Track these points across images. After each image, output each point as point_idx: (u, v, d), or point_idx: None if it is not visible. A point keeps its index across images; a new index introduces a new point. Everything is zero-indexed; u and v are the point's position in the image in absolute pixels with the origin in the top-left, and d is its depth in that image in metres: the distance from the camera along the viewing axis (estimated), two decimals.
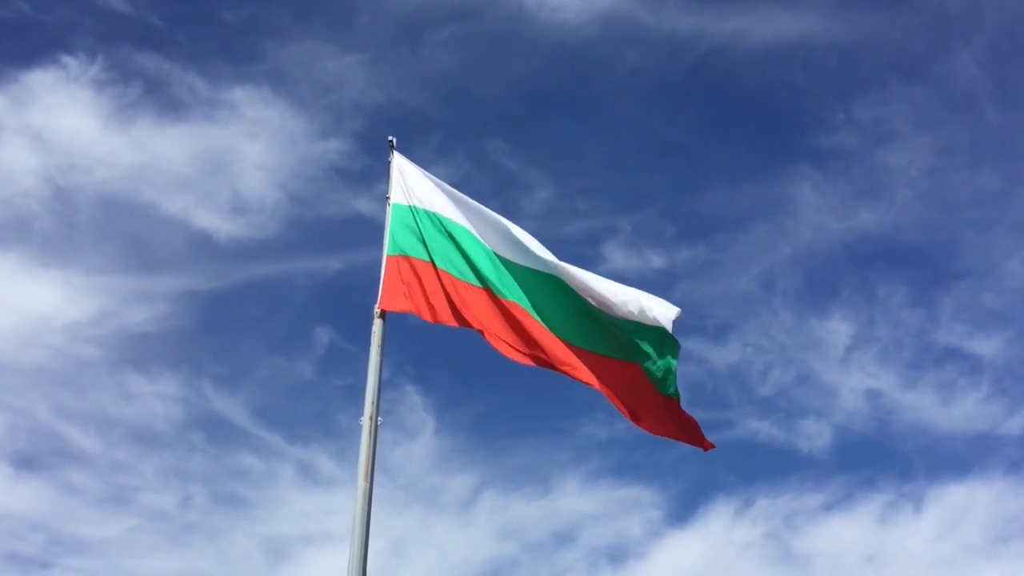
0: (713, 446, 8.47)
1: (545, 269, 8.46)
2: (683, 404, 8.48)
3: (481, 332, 8.29)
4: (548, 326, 8.35)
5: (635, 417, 8.39)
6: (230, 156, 26.79)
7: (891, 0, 29.15)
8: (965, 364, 27.59)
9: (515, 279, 8.49)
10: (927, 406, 27.24)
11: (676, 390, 8.28)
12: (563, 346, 8.33)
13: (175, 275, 26.75)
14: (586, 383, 8.26)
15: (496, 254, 8.61)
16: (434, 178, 9.02)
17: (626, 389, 8.39)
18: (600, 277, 8.45)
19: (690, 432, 8.45)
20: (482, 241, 8.67)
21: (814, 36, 29.24)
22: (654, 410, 8.41)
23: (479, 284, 8.46)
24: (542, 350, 8.26)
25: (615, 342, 8.38)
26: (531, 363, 8.30)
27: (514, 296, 8.40)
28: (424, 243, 8.64)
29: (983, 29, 28.35)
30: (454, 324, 8.32)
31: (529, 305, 8.39)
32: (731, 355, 28.06)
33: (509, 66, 29.73)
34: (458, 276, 8.52)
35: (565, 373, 8.26)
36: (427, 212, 8.81)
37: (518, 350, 8.29)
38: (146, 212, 25.90)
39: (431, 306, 8.35)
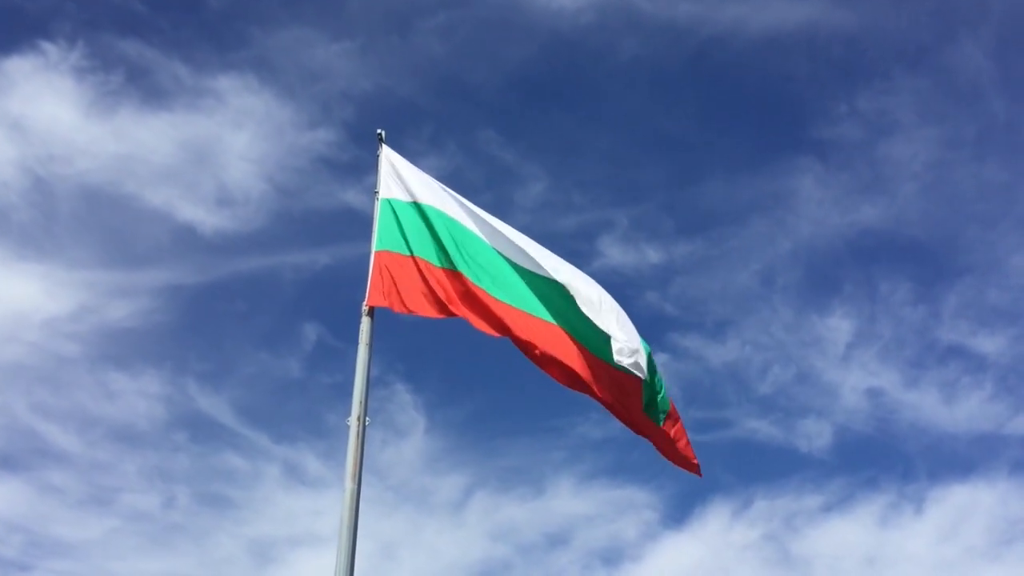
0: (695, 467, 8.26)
1: (547, 276, 8.20)
2: (679, 404, 8.32)
3: (468, 320, 8.07)
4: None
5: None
6: (215, 146, 26.45)
7: None
8: (969, 362, 27.35)
9: (520, 283, 8.25)
10: (929, 405, 27.06)
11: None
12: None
13: (158, 269, 26.42)
14: (578, 380, 8.01)
15: (498, 252, 8.41)
16: (426, 175, 8.81)
17: (620, 393, 8.17)
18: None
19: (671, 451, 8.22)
20: (480, 237, 8.47)
21: (816, 25, 29.01)
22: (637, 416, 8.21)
23: (474, 281, 8.22)
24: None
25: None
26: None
27: (512, 300, 8.15)
28: (415, 238, 8.45)
29: (989, 19, 28.15)
30: (439, 316, 8.10)
31: (530, 309, 8.14)
32: (729, 352, 27.88)
33: (503, 54, 29.46)
34: (449, 269, 8.30)
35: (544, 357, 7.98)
36: (417, 207, 8.62)
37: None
38: (128, 204, 25.59)
39: (419, 302, 8.15)
